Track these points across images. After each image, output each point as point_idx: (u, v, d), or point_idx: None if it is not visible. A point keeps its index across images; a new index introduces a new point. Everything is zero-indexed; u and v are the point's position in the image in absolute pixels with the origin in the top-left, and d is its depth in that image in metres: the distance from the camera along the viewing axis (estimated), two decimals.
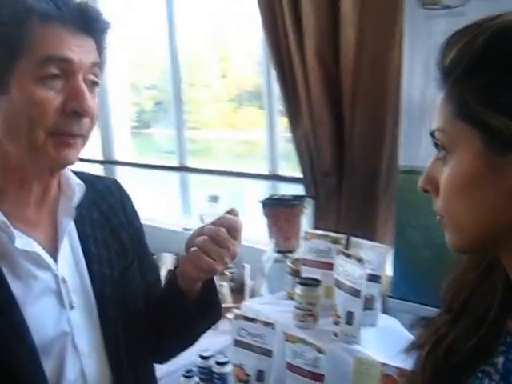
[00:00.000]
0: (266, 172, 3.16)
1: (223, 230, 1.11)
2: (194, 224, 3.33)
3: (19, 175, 1.07)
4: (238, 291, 2.33)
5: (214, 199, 2.96)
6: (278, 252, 2.26)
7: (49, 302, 1.07)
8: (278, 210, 2.36)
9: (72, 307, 1.10)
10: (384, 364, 1.58)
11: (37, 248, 1.07)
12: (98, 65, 1.07)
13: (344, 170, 2.51)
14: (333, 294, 1.80)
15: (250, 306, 1.94)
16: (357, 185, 2.48)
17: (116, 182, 1.34)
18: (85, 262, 1.15)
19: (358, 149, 2.46)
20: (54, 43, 0.99)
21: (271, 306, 1.95)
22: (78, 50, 1.01)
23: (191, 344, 1.35)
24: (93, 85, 1.07)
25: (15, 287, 1.02)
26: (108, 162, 4.16)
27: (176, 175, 3.72)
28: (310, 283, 1.79)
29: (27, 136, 1.00)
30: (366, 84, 2.38)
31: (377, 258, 1.75)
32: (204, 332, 1.31)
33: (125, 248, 1.24)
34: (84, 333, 1.11)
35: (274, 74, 2.77)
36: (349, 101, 2.44)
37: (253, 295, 2.06)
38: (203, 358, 1.88)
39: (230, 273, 2.49)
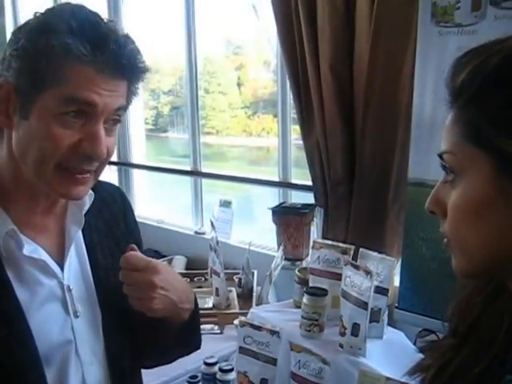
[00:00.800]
0: (277, 179, 3.20)
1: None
2: (206, 228, 3.38)
3: (29, 189, 1.07)
4: (246, 297, 2.34)
5: (227, 204, 3.01)
6: (287, 259, 2.27)
7: (54, 309, 1.07)
8: (288, 218, 2.38)
9: (77, 316, 1.10)
10: (388, 378, 1.58)
11: (43, 255, 1.07)
12: (124, 107, 1.07)
13: (354, 180, 2.55)
14: (339, 304, 1.81)
15: (256, 313, 1.95)
16: (366, 195, 2.52)
17: (119, 189, 1.35)
18: (91, 270, 1.16)
19: (368, 160, 2.49)
20: (82, 85, 0.98)
21: (278, 314, 1.96)
22: (107, 94, 1.00)
23: (167, 363, 1.38)
24: (114, 123, 1.07)
25: (20, 293, 1.02)
26: (123, 164, 4.21)
27: (189, 179, 3.76)
28: (317, 293, 1.80)
29: (36, 164, 1.01)
30: (378, 97, 2.42)
31: (385, 270, 1.76)
32: (179, 357, 1.36)
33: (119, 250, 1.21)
34: (87, 342, 1.11)
35: (288, 83, 2.81)
36: (361, 113, 2.49)
37: (260, 302, 2.07)
38: (207, 364, 1.88)
39: (239, 278, 2.50)
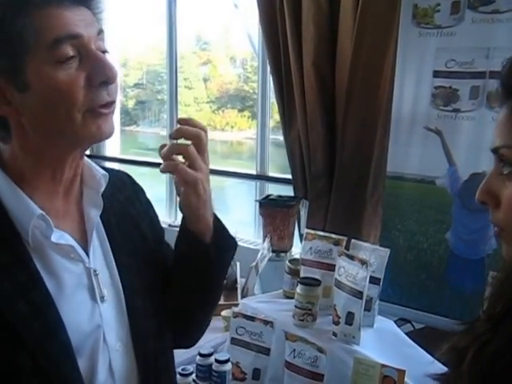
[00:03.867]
0: (253, 172, 3.27)
1: (191, 146, 1.08)
2: (179, 221, 3.36)
3: (52, 166, 1.05)
4: (229, 289, 2.36)
5: None
6: (273, 251, 2.31)
7: (82, 296, 1.05)
8: (275, 210, 2.43)
9: (103, 300, 1.07)
10: (384, 365, 1.63)
11: (70, 241, 1.05)
12: (103, 32, 1.04)
13: (334, 174, 2.63)
14: (330, 293, 1.85)
15: (247, 304, 1.97)
16: (345, 188, 2.60)
17: (127, 174, 1.32)
18: (112, 253, 1.13)
19: (348, 154, 2.58)
20: (56, 24, 0.95)
21: (269, 305, 1.98)
22: (82, 23, 0.98)
23: (215, 304, 1.36)
24: (103, 54, 1.03)
25: (49, 283, 0.99)
26: (97, 157, 4.19)
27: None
28: (311, 283, 1.84)
29: (65, 122, 0.98)
30: (359, 93, 2.52)
31: (377, 260, 1.81)
32: (225, 273, 1.34)
33: (145, 238, 1.22)
34: (113, 327, 1.08)
35: (268, 80, 2.87)
36: (342, 108, 2.58)
37: (245, 293, 2.10)
38: (202, 355, 1.88)
39: None
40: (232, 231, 1.25)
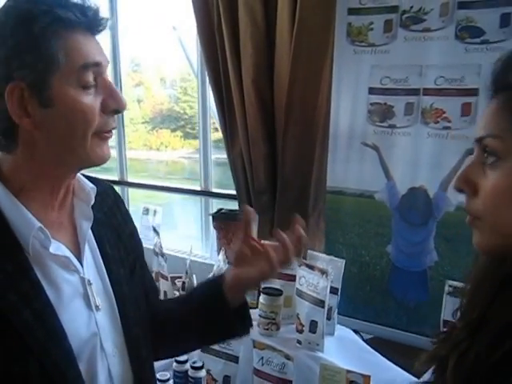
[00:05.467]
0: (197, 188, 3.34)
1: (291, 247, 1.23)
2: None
3: (52, 181, 1.09)
4: None
5: (146, 211, 3.15)
6: (228, 263, 2.31)
7: (79, 305, 1.09)
8: (228, 224, 2.44)
9: (98, 309, 1.12)
10: (349, 371, 1.68)
11: (66, 252, 1.09)
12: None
13: (276, 189, 2.67)
14: (291, 303, 1.89)
15: None
16: (288, 203, 2.65)
17: (109, 184, 1.36)
18: (103, 263, 1.18)
19: (289, 170, 2.63)
20: (85, 50, 1.02)
21: None
22: (99, 51, 1.06)
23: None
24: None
25: (49, 292, 1.03)
26: None
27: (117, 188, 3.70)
28: (273, 293, 1.87)
29: (79, 142, 1.04)
30: (297, 110, 2.57)
31: (334, 270, 1.87)
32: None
33: (127, 249, 1.27)
34: (109, 334, 1.13)
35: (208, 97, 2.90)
36: (282, 125, 2.61)
37: None
38: (179, 362, 1.91)
39: (182, 282, 2.54)
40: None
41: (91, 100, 1.03)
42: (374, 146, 2.35)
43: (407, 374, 1.81)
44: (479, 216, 0.88)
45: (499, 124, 0.85)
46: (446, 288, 1.67)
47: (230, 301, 1.26)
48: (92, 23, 1.04)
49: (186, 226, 3.02)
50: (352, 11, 2.37)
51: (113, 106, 1.06)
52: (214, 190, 3.30)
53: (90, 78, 1.02)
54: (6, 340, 0.96)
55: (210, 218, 2.66)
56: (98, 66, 1.04)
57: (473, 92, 2.15)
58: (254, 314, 2.02)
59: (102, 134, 1.07)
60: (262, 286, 1.92)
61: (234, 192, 2.94)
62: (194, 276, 2.41)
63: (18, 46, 0.98)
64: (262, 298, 1.86)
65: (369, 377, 1.66)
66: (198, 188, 3.35)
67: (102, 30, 1.07)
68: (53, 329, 1.01)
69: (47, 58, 0.98)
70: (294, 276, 1.92)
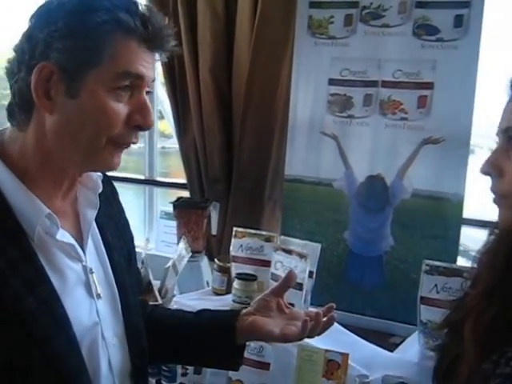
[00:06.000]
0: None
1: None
2: None
3: (56, 173, 1.06)
4: (145, 291, 2.32)
5: None
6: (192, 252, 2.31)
7: (81, 293, 1.08)
8: (190, 212, 2.44)
9: (99, 297, 1.10)
10: (327, 350, 1.74)
11: (71, 240, 1.07)
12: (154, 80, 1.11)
13: (232, 177, 2.68)
14: (263, 288, 1.93)
15: (181, 301, 1.98)
16: (243, 191, 2.68)
17: (106, 175, 1.30)
18: (105, 251, 1.17)
19: (245, 158, 2.65)
20: (132, 59, 1.00)
21: (202, 302, 2.02)
22: (147, 66, 1.03)
23: None
24: (147, 95, 1.09)
25: (53, 279, 1.01)
26: None
27: None
28: (248, 278, 1.90)
29: (90, 141, 1.01)
30: (256, 100, 2.60)
31: (310, 253, 1.91)
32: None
33: (124, 239, 1.26)
34: (109, 323, 1.12)
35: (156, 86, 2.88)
36: (239, 114, 2.64)
37: (164, 294, 2.09)
38: None
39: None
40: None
41: (119, 107, 1.01)
42: (333, 135, 2.42)
43: (383, 351, 1.89)
44: (506, 195, 1.01)
45: None
46: (424, 267, 1.76)
47: (237, 339, 1.29)
48: (150, 37, 1.01)
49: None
50: (313, 4, 2.44)
51: (138, 121, 1.04)
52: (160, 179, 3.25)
53: (125, 83, 1.00)
54: (8, 328, 0.93)
55: (156, 208, 2.63)
56: (138, 79, 1.02)
57: (428, 86, 2.28)
58: (227, 299, 2.07)
59: (120, 145, 1.05)
60: (236, 272, 1.96)
61: (179, 181, 2.95)
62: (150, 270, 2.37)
63: (67, 30, 0.96)
64: (236, 283, 1.88)
65: (347, 355, 1.72)
66: (141, 177, 3.28)
67: (160, 49, 1.05)
68: (57, 316, 0.99)
69: (91, 52, 0.97)
70: (267, 261, 1.97)
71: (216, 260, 2.14)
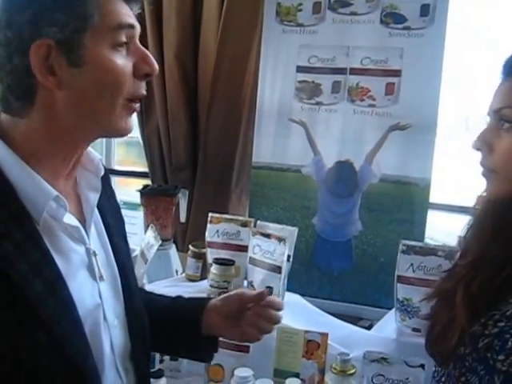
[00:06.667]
0: None
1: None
2: None
3: (67, 149, 1.04)
4: None
5: None
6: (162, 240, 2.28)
7: (84, 275, 1.07)
8: (158, 199, 2.40)
9: (102, 279, 1.10)
10: (307, 331, 1.75)
11: (76, 222, 1.06)
12: None
13: (198, 165, 2.66)
14: (240, 273, 1.94)
15: (155, 289, 1.95)
16: (210, 180, 2.66)
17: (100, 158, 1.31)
18: (106, 234, 1.16)
19: (212, 145, 2.64)
20: (120, 11, 0.99)
21: (176, 288, 1.99)
22: (132, 16, 1.02)
23: None
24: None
25: (58, 261, 1.00)
26: None
27: None
28: (226, 262, 1.89)
29: (108, 105, 1.00)
30: (223, 86, 2.59)
31: (288, 237, 1.92)
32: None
33: (119, 222, 1.26)
34: (111, 304, 1.12)
35: None
36: (205, 101, 2.63)
37: None
38: None
39: None
40: None
41: (124, 61, 0.99)
42: (301, 122, 2.44)
43: (361, 329, 1.93)
44: (495, 169, 1.10)
45: None
46: (400, 247, 1.80)
47: (203, 332, 1.33)
48: None
49: None
50: None
51: (145, 70, 1.02)
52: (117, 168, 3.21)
53: (124, 38, 0.99)
54: (16, 310, 0.92)
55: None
56: (131, 29, 1.00)
57: (396, 73, 2.32)
58: (201, 285, 2.06)
59: (131, 104, 1.03)
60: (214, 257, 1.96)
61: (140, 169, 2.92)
62: None
63: (50, 4, 0.94)
64: (214, 269, 1.87)
65: (326, 334, 1.74)
66: None
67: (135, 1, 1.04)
68: (63, 298, 0.98)
69: (81, 17, 0.95)
70: (244, 246, 1.97)
71: (190, 246, 2.13)
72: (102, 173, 1.13)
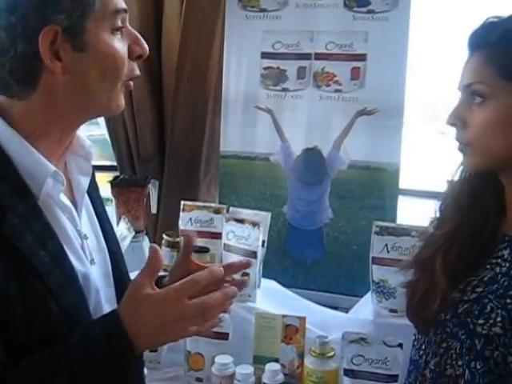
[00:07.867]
0: None
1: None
2: None
3: (63, 130, 1.06)
4: None
5: None
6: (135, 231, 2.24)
7: (77, 255, 1.07)
8: (130, 190, 2.36)
9: (93, 263, 1.11)
10: (284, 316, 1.75)
11: (69, 203, 1.08)
12: None
13: (165, 156, 2.62)
14: (214, 259, 1.91)
15: None
16: (178, 170, 2.61)
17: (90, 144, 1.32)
18: (96, 219, 1.18)
19: (179, 136, 2.59)
20: None
21: None
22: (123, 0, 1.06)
23: None
24: None
25: (59, 235, 1.02)
26: None
27: None
28: (201, 250, 1.87)
29: (111, 87, 1.03)
30: (188, 75, 2.55)
31: (262, 222, 1.90)
32: None
33: (106, 212, 1.27)
34: (102, 289, 1.12)
35: None
36: (170, 91, 2.58)
37: None
38: None
39: None
40: None
41: (121, 45, 1.03)
42: (267, 109, 2.42)
43: (338, 312, 1.93)
44: (470, 143, 1.15)
45: (484, 73, 1.11)
46: (374, 228, 1.80)
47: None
48: None
49: None
50: None
51: (138, 52, 1.07)
52: None
53: (120, 23, 1.03)
54: (28, 281, 0.94)
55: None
56: (125, 13, 1.04)
57: (361, 57, 2.31)
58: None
59: (128, 83, 1.08)
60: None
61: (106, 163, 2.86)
62: None
63: None
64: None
65: (304, 318, 1.74)
66: None
67: None
68: (67, 270, 1.01)
69: (84, 3, 0.98)
70: (218, 233, 1.95)
71: (164, 235, 2.09)
72: (93, 157, 1.16)
